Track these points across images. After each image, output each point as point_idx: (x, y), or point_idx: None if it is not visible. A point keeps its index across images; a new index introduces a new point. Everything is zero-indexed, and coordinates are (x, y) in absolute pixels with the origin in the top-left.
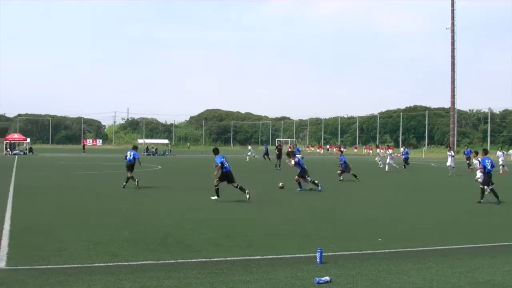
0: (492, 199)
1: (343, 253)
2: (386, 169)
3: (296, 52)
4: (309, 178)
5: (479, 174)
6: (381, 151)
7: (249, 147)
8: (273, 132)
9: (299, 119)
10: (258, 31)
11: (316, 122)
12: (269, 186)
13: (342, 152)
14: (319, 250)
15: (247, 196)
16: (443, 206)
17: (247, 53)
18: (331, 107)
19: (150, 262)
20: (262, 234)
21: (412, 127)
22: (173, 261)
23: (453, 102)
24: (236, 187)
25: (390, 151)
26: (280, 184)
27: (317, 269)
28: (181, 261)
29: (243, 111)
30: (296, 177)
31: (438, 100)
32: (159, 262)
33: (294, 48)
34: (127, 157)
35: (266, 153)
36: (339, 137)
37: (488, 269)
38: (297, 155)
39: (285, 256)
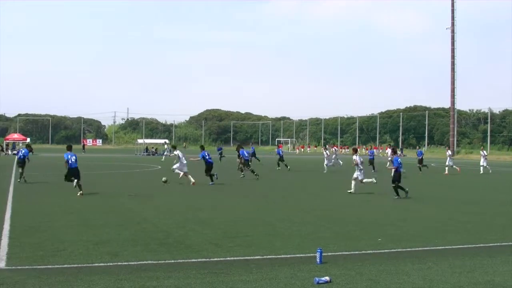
0: (404, 195)
1: (342, 253)
2: (325, 171)
3: (296, 52)
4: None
5: (356, 174)
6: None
7: (166, 145)
8: (273, 132)
9: (299, 119)
10: (258, 31)
11: (316, 122)
12: (267, 187)
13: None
14: (318, 250)
15: (74, 185)
16: (442, 206)
17: (247, 53)
18: (331, 107)
19: (150, 262)
20: (262, 234)
21: (412, 127)
22: (173, 261)
23: (453, 102)
24: (75, 185)
25: (327, 151)
26: (164, 179)
27: (317, 269)
28: (181, 261)
29: (243, 111)
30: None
31: (438, 100)
32: (159, 262)
33: (294, 48)
34: (18, 155)
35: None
36: (339, 137)
37: (488, 269)
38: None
39: (285, 256)
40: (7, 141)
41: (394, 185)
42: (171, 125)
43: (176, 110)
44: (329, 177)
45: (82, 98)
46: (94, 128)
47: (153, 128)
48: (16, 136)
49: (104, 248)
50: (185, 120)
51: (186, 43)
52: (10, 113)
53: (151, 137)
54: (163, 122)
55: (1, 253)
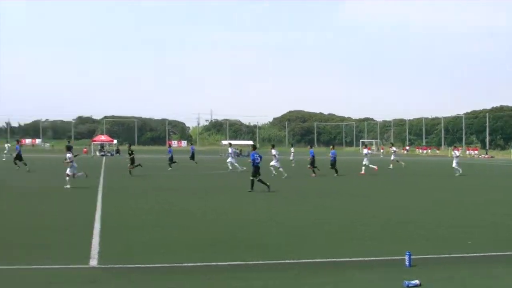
0: (264, 188)
1: (432, 256)
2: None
3: (378, 53)
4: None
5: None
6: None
7: (6, 145)
8: (356, 133)
9: (382, 120)
10: (341, 32)
11: (400, 123)
12: (348, 187)
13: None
14: (407, 253)
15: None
16: None
17: (330, 54)
18: (415, 108)
19: (237, 263)
20: (347, 236)
21: (499, 127)
22: (260, 262)
23: None
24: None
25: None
26: None
27: (406, 272)
28: (262, 262)
29: (326, 112)
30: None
31: None
32: (248, 263)
33: (375, 49)
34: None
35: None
36: (423, 138)
37: None
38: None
39: (374, 258)
40: (95, 142)
41: (252, 178)
42: (255, 126)
43: (259, 111)
44: (410, 179)
45: (167, 100)
46: (179, 129)
47: (236, 129)
48: (103, 138)
49: (191, 248)
50: (269, 122)
51: (269, 44)
52: (97, 115)
53: (235, 139)
54: (247, 124)
55: (92, 251)
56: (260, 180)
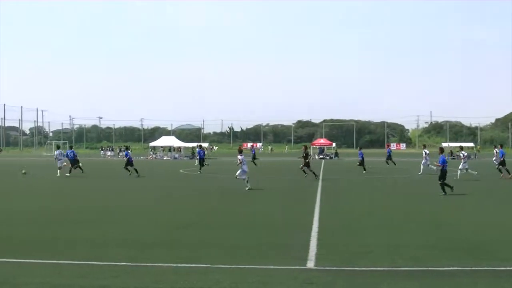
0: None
1: None
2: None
3: None
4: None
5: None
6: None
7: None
8: None
9: None
10: None
11: None
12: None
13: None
14: None
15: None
16: None
17: None
18: None
19: (454, 268)
20: None
21: None
22: (479, 268)
23: None
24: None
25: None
26: (23, 171)
27: None
28: (486, 268)
29: None
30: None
31: None
32: (464, 268)
33: None
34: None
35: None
36: None
37: None
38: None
39: None
40: (314, 146)
41: (440, 182)
42: (476, 127)
43: (481, 112)
44: None
45: (386, 103)
46: (398, 132)
47: (457, 131)
48: (322, 141)
49: (406, 252)
50: (491, 123)
51: (494, 43)
52: (316, 119)
53: (455, 141)
54: (468, 125)
55: (310, 253)
56: (444, 183)
